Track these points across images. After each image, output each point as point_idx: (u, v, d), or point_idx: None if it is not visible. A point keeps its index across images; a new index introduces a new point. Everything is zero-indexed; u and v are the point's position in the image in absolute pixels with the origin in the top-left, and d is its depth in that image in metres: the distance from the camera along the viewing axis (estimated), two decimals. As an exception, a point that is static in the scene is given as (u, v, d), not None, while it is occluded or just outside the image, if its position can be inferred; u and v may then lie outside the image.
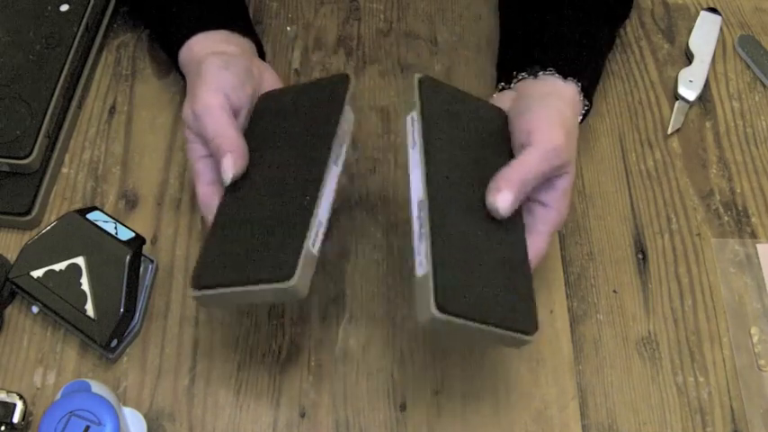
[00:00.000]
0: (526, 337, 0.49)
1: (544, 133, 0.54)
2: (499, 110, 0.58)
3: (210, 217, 0.55)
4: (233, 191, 0.54)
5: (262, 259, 0.49)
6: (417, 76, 0.55)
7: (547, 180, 0.54)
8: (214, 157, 0.55)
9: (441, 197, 0.50)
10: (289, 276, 0.48)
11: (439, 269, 0.47)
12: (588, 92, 0.61)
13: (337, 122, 0.54)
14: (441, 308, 0.46)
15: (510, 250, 0.52)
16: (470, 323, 0.47)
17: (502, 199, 0.51)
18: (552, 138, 0.53)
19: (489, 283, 0.49)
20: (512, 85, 0.62)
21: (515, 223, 0.53)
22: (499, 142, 0.56)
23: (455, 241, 0.49)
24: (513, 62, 0.64)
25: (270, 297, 0.50)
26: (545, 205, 0.55)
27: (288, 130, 0.56)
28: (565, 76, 0.59)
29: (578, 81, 0.60)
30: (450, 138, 0.54)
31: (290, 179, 0.53)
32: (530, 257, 0.53)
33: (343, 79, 0.56)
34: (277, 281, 0.48)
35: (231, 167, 0.53)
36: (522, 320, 0.49)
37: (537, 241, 0.54)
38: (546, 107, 0.56)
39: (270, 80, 0.62)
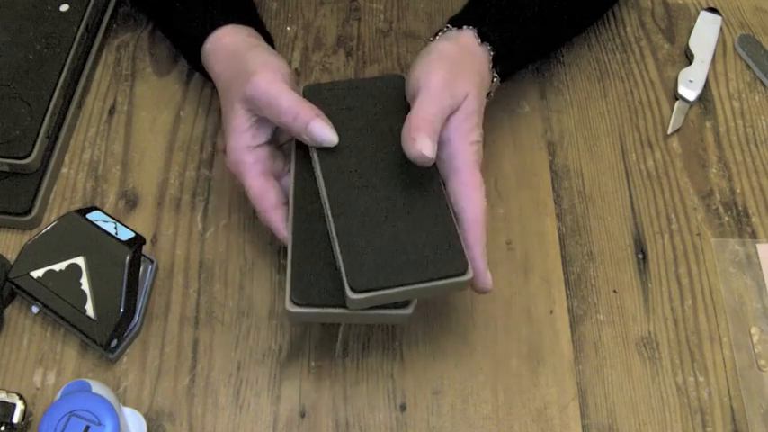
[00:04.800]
0: (461, 279, 0.51)
1: (426, 73, 0.56)
2: (395, 78, 0.60)
3: (265, 208, 0.56)
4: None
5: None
6: (303, 86, 0.59)
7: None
8: (294, 129, 0.55)
9: (338, 192, 0.54)
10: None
11: (345, 254, 0.51)
12: (486, 35, 0.60)
13: None
14: (354, 289, 0.50)
15: (422, 207, 0.54)
16: (392, 290, 0.50)
17: (421, 146, 0.52)
18: (436, 73, 0.55)
19: (404, 246, 0.52)
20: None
21: (422, 180, 0.55)
22: (400, 109, 0.58)
23: (358, 223, 0.53)
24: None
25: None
26: (446, 140, 0.56)
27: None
28: (459, 26, 0.61)
29: (472, 27, 0.60)
30: (345, 130, 0.57)
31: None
32: (467, 194, 0.54)
33: (400, 80, 0.59)
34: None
35: (328, 128, 0.55)
36: (448, 266, 0.51)
37: (459, 178, 0.55)
38: (424, 55, 0.58)
39: (293, 80, 0.62)
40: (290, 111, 0.55)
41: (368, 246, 0.52)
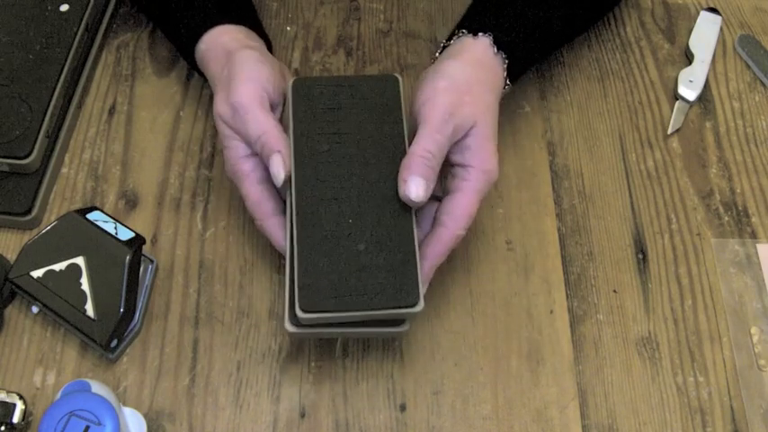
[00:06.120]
0: (411, 310, 0.51)
1: (430, 105, 0.55)
2: (389, 78, 0.59)
3: (262, 216, 0.56)
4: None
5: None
6: (291, 80, 0.58)
7: (457, 143, 0.55)
8: (260, 156, 0.55)
9: (307, 203, 0.53)
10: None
11: (300, 271, 0.51)
12: (503, 44, 0.59)
13: (403, 127, 0.56)
14: (303, 309, 0.50)
15: (387, 227, 0.53)
16: (341, 314, 0.50)
17: (412, 188, 0.52)
18: (438, 106, 0.54)
19: (360, 269, 0.51)
20: (437, 55, 0.62)
21: (394, 198, 0.54)
22: (389, 112, 0.57)
23: (320, 239, 0.52)
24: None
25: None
26: (463, 165, 0.55)
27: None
28: (474, 32, 0.59)
29: (489, 34, 0.59)
30: (329, 133, 0.56)
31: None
32: (455, 216, 0.54)
33: (394, 81, 0.58)
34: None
35: (282, 167, 0.53)
36: (400, 296, 0.51)
37: (460, 198, 0.55)
38: (432, 76, 0.56)
39: (280, 89, 0.61)
40: (257, 141, 0.54)
41: (324, 265, 0.51)
